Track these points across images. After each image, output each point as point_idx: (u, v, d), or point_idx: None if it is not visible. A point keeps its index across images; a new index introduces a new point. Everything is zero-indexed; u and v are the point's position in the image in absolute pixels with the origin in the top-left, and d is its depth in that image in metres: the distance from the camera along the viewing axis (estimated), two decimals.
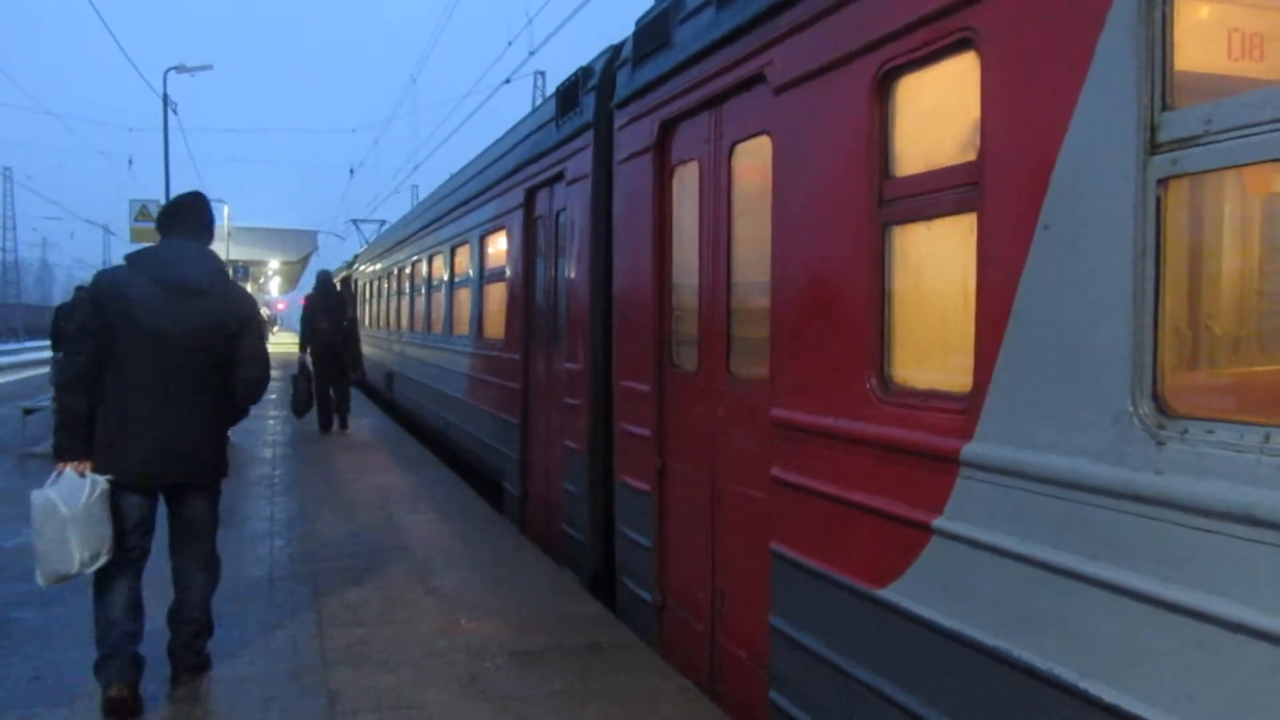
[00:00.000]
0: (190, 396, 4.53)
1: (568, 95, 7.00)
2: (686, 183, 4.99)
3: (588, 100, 6.57)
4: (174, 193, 29.10)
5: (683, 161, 4.98)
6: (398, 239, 17.81)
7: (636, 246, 5.47)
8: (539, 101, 11.45)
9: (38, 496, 4.29)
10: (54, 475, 4.35)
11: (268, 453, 12.87)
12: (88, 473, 4.35)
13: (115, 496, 4.41)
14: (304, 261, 54.28)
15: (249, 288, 48.12)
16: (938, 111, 3.13)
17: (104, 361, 4.39)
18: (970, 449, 2.79)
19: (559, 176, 7.25)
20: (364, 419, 16.82)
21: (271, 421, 16.33)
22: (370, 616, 5.78)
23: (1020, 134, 2.62)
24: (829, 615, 3.54)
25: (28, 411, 14.33)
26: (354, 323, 15.23)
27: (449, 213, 12.13)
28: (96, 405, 4.41)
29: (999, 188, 2.70)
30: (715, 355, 4.58)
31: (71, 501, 4.25)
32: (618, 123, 5.77)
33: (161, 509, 4.70)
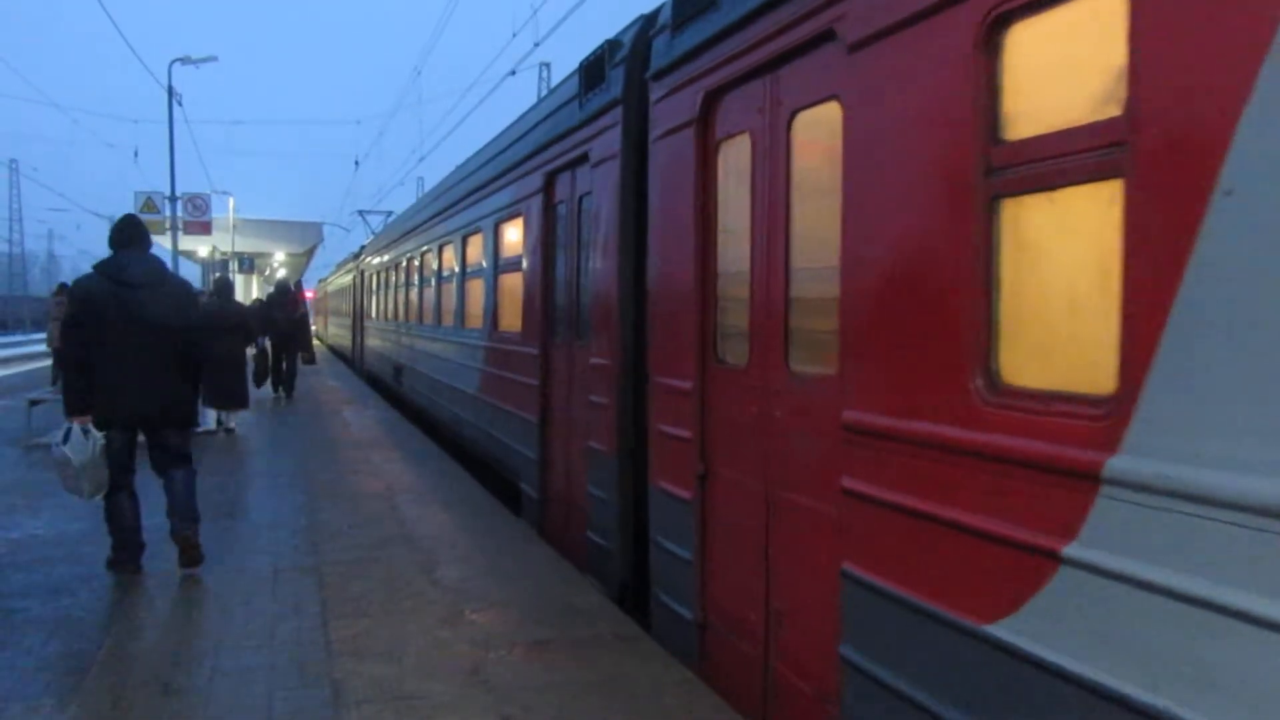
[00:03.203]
0: (154, 360, 6.36)
1: (593, 70, 6.51)
2: (735, 159, 4.51)
3: (616, 74, 6.09)
4: (179, 185, 29.14)
5: (730, 135, 4.51)
6: (406, 229, 17.34)
7: (675, 230, 5.00)
8: (551, 86, 10.99)
9: (57, 452, 6.15)
10: (63, 430, 6.18)
11: (272, 445, 12.76)
12: (90, 430, 6.16)
13: (107, 438, 6.23)
14: (309, 253, 53.94)
15: (254, 280, 47.76)
16: (1064, 61, 2.64)
17: (92, 342, 6.21)
18: (1116, 463, 2.31)
19: (583, 158, 6.78)
20: (368, 411, 16.92)
21: (274, 417, 16.14)
22: (374, 608, 5.79)
23: (1191, 76, 2.14)
24: (917, 649, 3.07)
25: (33, 403, 14.04)
26: (305, 316, 19.99)
27: (461, 200, 11.66)
28: (91, 374, 6.23)
29: (1157, 146, 2.22)
30: (770, 349, 4.10)
31: (80, 456, 6.11)
32: (654, 96, 5.29)
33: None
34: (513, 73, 23.05)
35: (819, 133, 3.84)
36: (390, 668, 4.80)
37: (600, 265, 6.32)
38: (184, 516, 6.54)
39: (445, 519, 8.22)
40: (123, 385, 6.23)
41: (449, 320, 12.38)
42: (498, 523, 8.09)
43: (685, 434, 4.85)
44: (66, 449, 6.07)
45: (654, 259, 5.33)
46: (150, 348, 6.31)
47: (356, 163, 49.11)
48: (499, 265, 9.55)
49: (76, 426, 6.13)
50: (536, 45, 21.27)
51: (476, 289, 10.69)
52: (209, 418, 13.82)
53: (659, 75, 5.17)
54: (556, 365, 7.52)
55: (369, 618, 5.57)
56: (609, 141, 6.14)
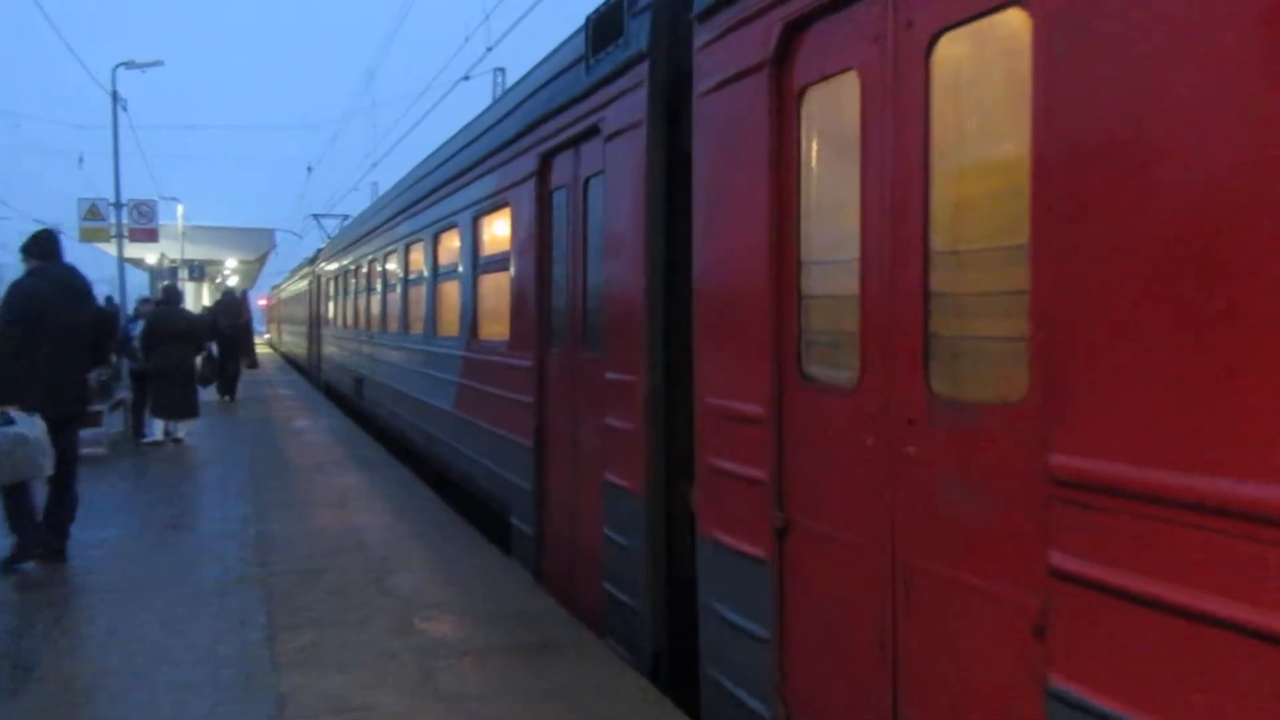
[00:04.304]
0: (71, 358, 7.10)
1: (605, 24, 5.36)
2: (830, 109, 3.39)
3: (638, 24, 4.95)
4: (125, 192, 28.02)
5: (823, 78, 3.38)
6: (368, 229, 16.03)
7: (736, 209, 3.86)
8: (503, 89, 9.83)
9: (9, 431, 6.47)
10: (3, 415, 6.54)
11: (222, 456, 12.46)
12: (34, 413, 6.65)
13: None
14: (262, 260, 52.19)
15: (205, 287, 46.06)
16: None
17: (29, 338, 6.78)
18: None
19: (591, 132, 5.63)
20: (322, 419, 16.77)
21: (224, 427, 15.44)
22: (323, 618, 5.67)
23: None
24: None
25: None
26: (249, 324, 22.90)
27: (431, 194, 10.43)
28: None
29: None
30: (899, 364, 2.98)
31: (34, 432, 6.58)
32: (700, 40, 4.15)
33: None
34: (467, 78, 22.42)
35: (982, 57, 2.74)
36: (338, 679, 4.71)
37: (619, 258, 5.17)
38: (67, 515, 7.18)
39: (398, 527, 8.08)
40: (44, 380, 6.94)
41: (418, 327, 11.13)
42: (451, 531, 7.99)
43: (755, 474, 3.72)
44: (21, 428, 6.54)
45: (703, 248, 4.18)
46: (70, 346, 7.09)
47: (309, 168, 47.40)
48: (479, 264, 8.35)
49: (16, 412, 6.66)
50: (489, 50, 20.48)
51: (451, 292, 9.47)
52: (155, 428, 13.63)
53: (710, 11, 4.03)
54: (556, 379, 6.34)
55: (317, 629, 5.47)
56: (630, 107, 4.99)
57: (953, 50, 2.82)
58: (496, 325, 7.80)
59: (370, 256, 15.27)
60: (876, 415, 3.07)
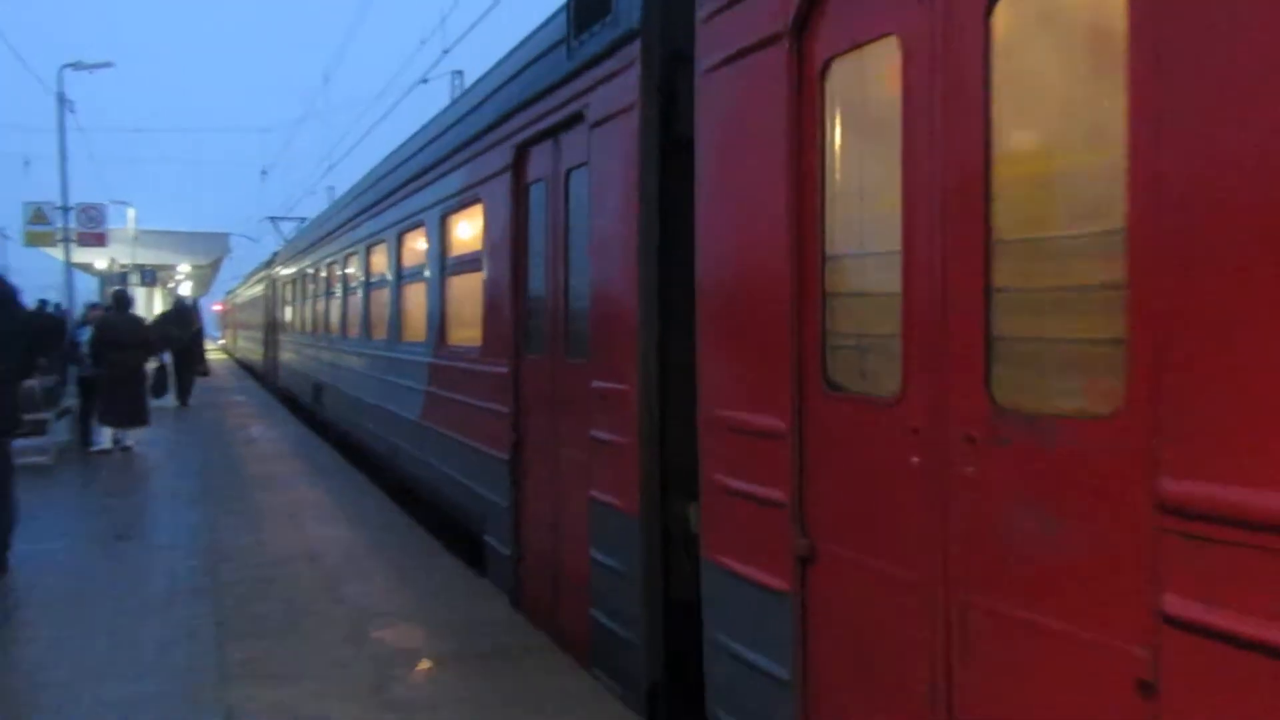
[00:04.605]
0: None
1: (589, 1, 4.95)
2: (860, 82, 3.01)
3: (627, 1, 4.55)
4: (74, 195, 27.37)
5: (854, 47, 2.99)
6: (326, 231, 15.46)
7: (749, 199, 3.46)
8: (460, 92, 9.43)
9: None
10: None
11: (173, 463, 12.23)
12: None
13: None
14: (216, 265, 51.10)
15: (157, 292, 44.93)
16: None
17: None
18: None
19: (574, 119, 5.21)
20: (277, 428, 16.40)
21: (175, 434, 15.11)
22: (273, 629, 5.54)
23: None
24: None
25: None
26: (200, 332, 23.20)
27: (395, 192, 9.94)
28: None
29: None
30: (952, 372, 2.59)
31: None
32: (704, 10, 3.75)
33: None
34: (425, 81, 22.27)
35: (1060, 12, 2.36)
36: (288, 690, 4.61)
37: (608, 256, 4.76)
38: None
39: (354, 537, 7.93)
40: None
41: (381, 332, 10.62)
42: (409, 539, 7.87)
43: (772, 494, 3.31)
44: None
45: (706, 242, 3.78)
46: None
47: (264, 172, 46.40)
48: (448, 265, 7.89)
49: None
50: (445, 53, 20.30)
51: (417, 295, 8.98)
52: (104, 437, 13.26)
53: None
54: (534, 386, 5.91)
55: (267, 639, 5.36)
56: (620, 91, 4.58)
57: (1020, 6, 2.44)
58: (468, 330, 7.34)
59: (330, 259, 14.70)
60: (924, 430, 2.68)
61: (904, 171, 2.74)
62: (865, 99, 2.99)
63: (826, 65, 3.11)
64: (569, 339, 5.38)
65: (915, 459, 2.72)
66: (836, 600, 3.08)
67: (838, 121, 3.11)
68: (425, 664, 4.98)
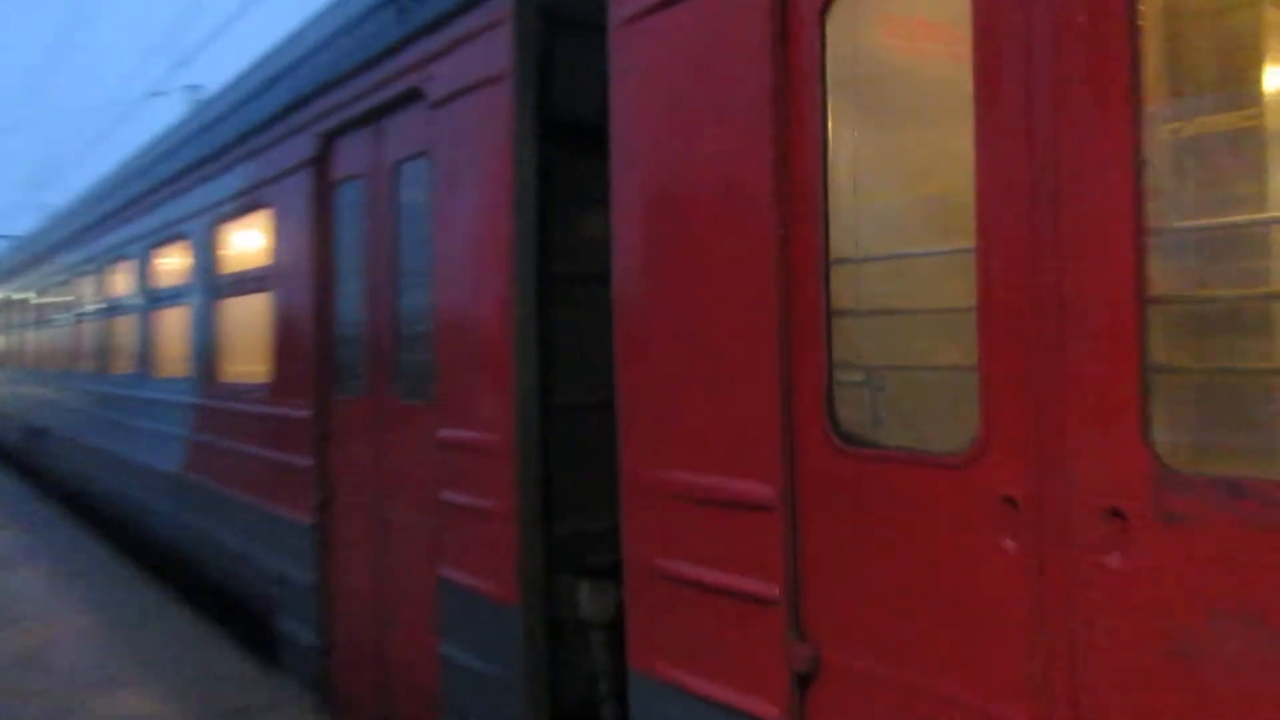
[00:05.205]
0: None
1: None
2: (892, 23, 2.22)
3: None
4: None
5: None
6: (48, 247, 13.11)
7: (705, 187, 2.58)
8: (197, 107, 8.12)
9: None
10: None
11: None
12: None
13: None
14: None
15: None
16: None
17: None
18: None
19: (406, 98, 4.14)
20: None
21: None
22: None
23: None
24: None
25: None
26: None
27: (143, 198, 8.28)
28: None
29: None
30: (1074, 416, 1.81)
31: None
32: None
33: None
34: (160, 94, 20.78)
35: None
36: None
37: (464, 267, 3.73)
38: None
39: (66, 592, 7.08)
40: None
41: (125, 366, 8.83)
42: (133, 589, 7.18)
43: (752, 587, 2.43)
44: None
45: (631, 248, 2.85)
46: None
47: None
48: (221, 285, 6.47)
49: None
50: (179, 66, 19.07)
51: (176, 321, 7.42)
52: None
53: None
54: (349, 434, 4.72)
55: None
56: (481, 58, 3.58)
57: None
58: (248, 364, 5.98)
59: (56, 280, 12.42)
60: (1026, 503, 1.89)
61: (979, 142, 1.96)
62: (905, 46, 2.21)
63: (827, 6, 2.29)
64: (400, 375, 4.28)
65: (1010, 544, 1.92)
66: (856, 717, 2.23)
67: (846, 80, 2.31)
68: None
